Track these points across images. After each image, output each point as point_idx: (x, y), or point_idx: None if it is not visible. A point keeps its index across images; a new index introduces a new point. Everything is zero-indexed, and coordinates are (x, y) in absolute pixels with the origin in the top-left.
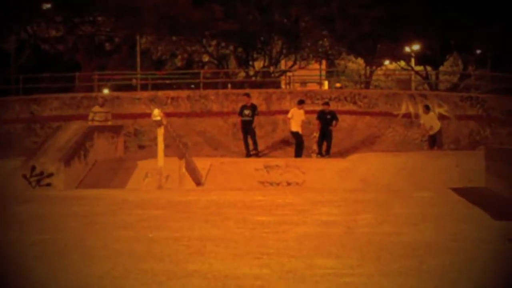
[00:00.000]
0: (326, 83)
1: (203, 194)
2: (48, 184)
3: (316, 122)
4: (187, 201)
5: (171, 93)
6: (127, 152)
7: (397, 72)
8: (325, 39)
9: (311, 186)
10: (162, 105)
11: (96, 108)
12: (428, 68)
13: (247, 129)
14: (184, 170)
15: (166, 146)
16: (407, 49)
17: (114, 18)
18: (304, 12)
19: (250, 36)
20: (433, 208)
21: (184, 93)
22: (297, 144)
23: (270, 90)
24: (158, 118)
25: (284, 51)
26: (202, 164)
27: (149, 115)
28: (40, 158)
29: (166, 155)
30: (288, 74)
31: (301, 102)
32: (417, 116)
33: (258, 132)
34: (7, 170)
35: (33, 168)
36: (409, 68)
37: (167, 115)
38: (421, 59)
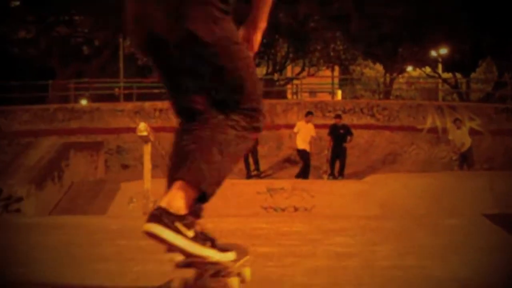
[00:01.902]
0: (339, 93)
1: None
2: (17, 210)
3: (327, 138)
4: None
5: (160, 104)
6: (109, 172)
7: (421, 80)
8: (338, 42)
9: (322, 212)
10: (149, 118)
11: None
12: (458, 75)
13: None
14: None
15: (154, 166)
16: (433, 53)
17: (94, 18)
18: (314, 10)
19: None
20: (464, 238)
21: None
22: (303, 165)
23: (274, 101)
24: (145, 133)
25: (291, 55)
26: None
27: (134, 129)
28: (7, 179)
29: (153, 176)
30: (295, 82)
31: (309, 114)
32: (445, 131)
33: (260, 150)
34: None
35: (0, 191)
36: (436, 75)
37: (155, 129)
38: (449, 64)
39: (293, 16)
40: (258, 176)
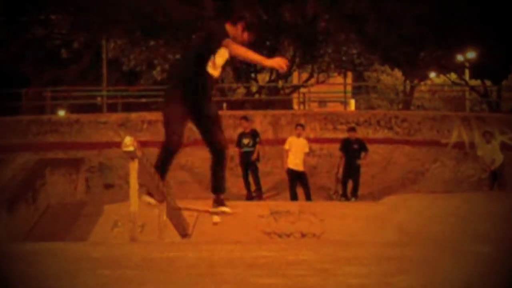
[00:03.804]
0: (352, 103)
1: (190, 249)
2: None
3: (339, 154)
4: (169, 258)
5: (148, 115)
6: (90, 193)
7: (446, 88)
8: (352, 45)
9: (333, 238)
10: (136, 131)
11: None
12: (487, 82)
13: (247, 163)
14: (165, 217)
15: (141, 186)
16: (459, 57)
17: (73, 17)
18: (324, 8)
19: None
20: (495, 268)
21: None
22: (304, 185)
23: (278, 112)
24: (131, 148)
25: (297, 60)
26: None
27: (118, 144)
28: None
29: (141, 197)
30: (303, 90)
31: (298, 127)
32: (473, 145)
33: (262, 167)
34: None
35: None
36: (462, 82)
37: (143, 144)
38: (478, 70)
39: (301, 15)
40: (260, 197)
